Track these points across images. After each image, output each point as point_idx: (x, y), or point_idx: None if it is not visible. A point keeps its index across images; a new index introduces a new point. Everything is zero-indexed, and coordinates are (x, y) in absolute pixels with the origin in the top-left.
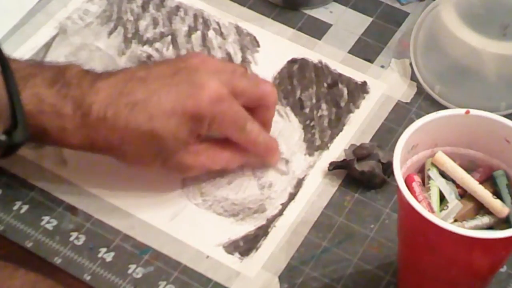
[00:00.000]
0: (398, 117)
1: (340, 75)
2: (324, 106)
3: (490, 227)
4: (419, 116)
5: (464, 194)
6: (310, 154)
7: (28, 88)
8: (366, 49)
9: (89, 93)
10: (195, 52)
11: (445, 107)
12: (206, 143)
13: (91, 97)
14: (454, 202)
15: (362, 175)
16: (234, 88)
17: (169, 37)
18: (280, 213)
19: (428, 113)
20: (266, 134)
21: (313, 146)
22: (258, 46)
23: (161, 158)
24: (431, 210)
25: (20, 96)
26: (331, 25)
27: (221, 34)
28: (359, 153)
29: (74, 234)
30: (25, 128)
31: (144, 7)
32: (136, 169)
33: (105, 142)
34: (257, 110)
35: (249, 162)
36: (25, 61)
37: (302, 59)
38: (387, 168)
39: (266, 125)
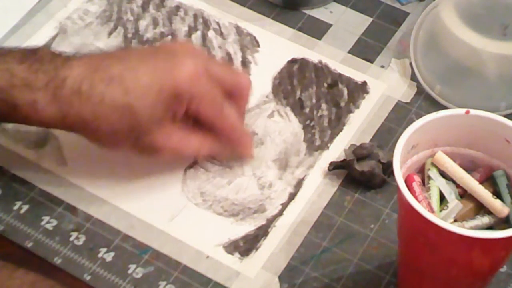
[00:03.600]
0: (398, 117)
1: (340, 75)
2: (324, 106)
3: (490, 227)
4: (419, 116)
5: (464, 194)
6: (310, 154)
7: None
8: (366, 49)
9: (63, 68)
10: (175, 40)
11: (445, 107)
12: (178, 126)
13: (65, 71)
14: (454, 202)
15: (362, 175)
16: (211, 72)
17: (169, 37)
18: (280, 213)
19: (428, 113)
20: (242, 124)
21: (313, 146)
22: (258, 46)
23: (134, 136)
24: (431, 210)
25: None
26: (331, 25)
27: (221, 34)
28: (359, 153)
29: (74, 234)
30: None
31: (144, 7)
32: (105, 150)
33: (77, 117)
34: (231, 99)
35: (220, 153)
36: None
37: (302, 59)
38: (387, 168)
39: (239, 116)
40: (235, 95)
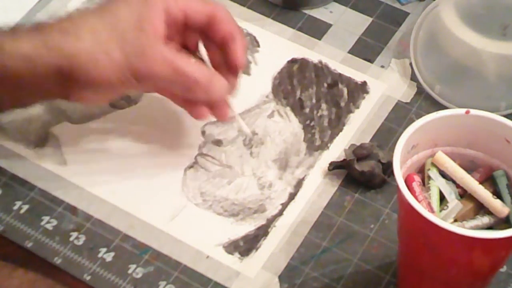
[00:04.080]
0: (398, 117)
1: (340, 75)
2: (324, 106)
3: (490, 227)
4: (419, 116)
5: (464, 194)
6: (310, 154)
7: None
8: (366, 49)
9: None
10: None
11: (445, 107)
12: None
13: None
14: (454, 202)
15: (362, 175)
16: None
17: None
18: (280, 213)
19: (428, 113)
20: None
21: (313, 146)
22: (258, 46)
23: (120, 40)
24: (431, 210)
25: None
26: (331, 25)
27: None
28: (359, 153)
29: (74, 234)
30: None
31: None
32: (100, 93)
33: (59, 34)
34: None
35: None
36: None
37: (302, 59)
38: (387, 168)
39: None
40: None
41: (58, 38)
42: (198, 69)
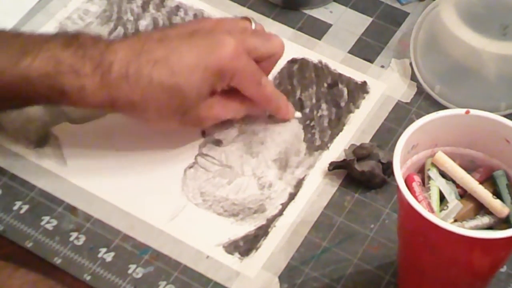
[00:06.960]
0: (398, 117)
1: (340, 75)
2: (324, 106)
3: (490, 227)
4: (419, 116)
5: (464, 194)
6: (310, 154)
7: (43, 52)
8: (366, 49)
9: (107, 53)
10: (205, 17)
11: (445, 107)
12: (217, 95)
13: (110, 56)
14: (454, 202)
15: (362, 175)
16: (248, 46)
17: None
18: (280, 213)
19: (428, 113)
20: (277, 90)
21: (313, 146)
22: None
23: (180, 113)
24: (431, 210)
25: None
26: (331, 25)
27: None
28: (359, 153)
29: (74, 234)
30: None
31: (144, 7)
32: (154, 127)
33: (126, 100)
34: (263, 62)
35: (257, 114)
36: (32, 32)
37: (302, 59)
38: (387, 168)
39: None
40: (266, 60)
41: (130, 107)
42: (237, 112)
